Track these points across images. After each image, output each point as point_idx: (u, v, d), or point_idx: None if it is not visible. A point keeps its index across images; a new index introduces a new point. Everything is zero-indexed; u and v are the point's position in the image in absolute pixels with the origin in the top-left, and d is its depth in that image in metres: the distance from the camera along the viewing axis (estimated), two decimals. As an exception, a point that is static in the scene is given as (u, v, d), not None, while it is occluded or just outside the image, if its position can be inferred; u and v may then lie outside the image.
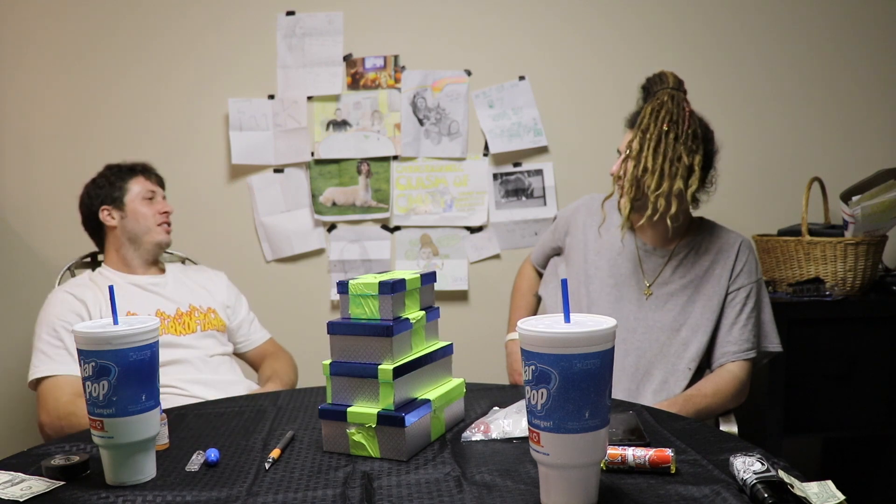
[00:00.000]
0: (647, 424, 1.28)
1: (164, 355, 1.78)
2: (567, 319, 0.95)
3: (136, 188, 1.98)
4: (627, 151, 1.71)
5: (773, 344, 1.81)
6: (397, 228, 2.64)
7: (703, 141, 1.71)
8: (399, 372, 1.17)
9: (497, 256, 2.63)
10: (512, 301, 2.10)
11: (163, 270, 2.04)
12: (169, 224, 2.01)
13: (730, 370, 1.72)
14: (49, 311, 1.82)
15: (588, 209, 1.93)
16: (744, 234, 1.85)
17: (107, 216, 1.97)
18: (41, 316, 1.83)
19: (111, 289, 1.14)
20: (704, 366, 1.78)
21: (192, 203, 2.54)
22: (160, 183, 2.06)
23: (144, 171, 2.03)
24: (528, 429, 0.92)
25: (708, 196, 1.78)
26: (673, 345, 1.74)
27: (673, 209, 1.68)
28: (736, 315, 1.74)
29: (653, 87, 1.78)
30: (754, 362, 1.77)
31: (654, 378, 1.73)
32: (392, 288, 1.19)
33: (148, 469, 1.08)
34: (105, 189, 1.98)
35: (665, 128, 1.67)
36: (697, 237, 1.81)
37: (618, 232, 1.83)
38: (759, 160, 2.59)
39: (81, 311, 1.82)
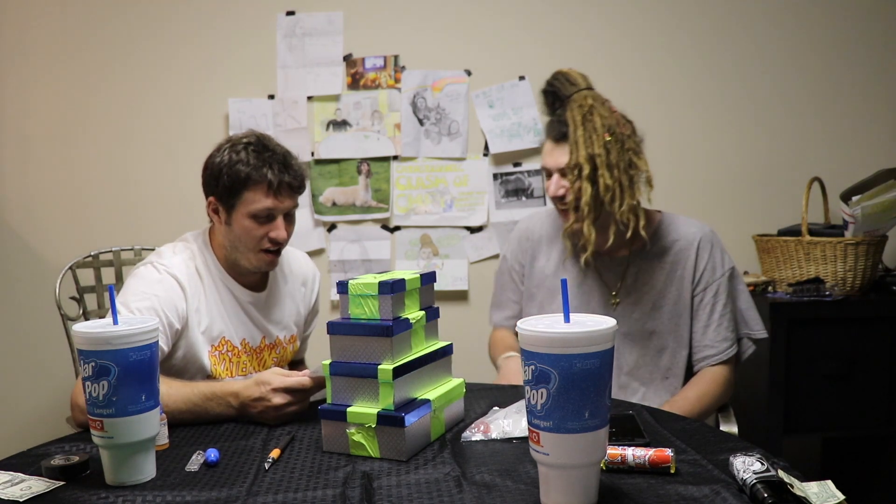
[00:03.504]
0: (647, 424, 1.28)
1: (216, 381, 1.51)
2: (567, 319, 0.95)
3: (252, 202, 1.53)
4: (576, 173, 1.60)
5: (756, 330, 1.74)
6: (397, 228, 2.64)
7: (633, 132, 1.65)
8: (399, 372, 1.17)
9: (497, 256, 2.62)
10: (496, 360, 1.86)
11: (265, 282, 1.69)
12: (278, 253, 1.59)
13: (712, 373, 1.68)
14: (154, 290, 1.50)
15: (528, 238, 1.83)
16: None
17: (212, 211, 1.60)
18: (138, 286, 1.51)
19: (111, 288, 1.14)
20: (691, 367, 1.74)
21: (193, 204, 2.54)
22: (294, 189, 1.56)
23: (280, 173, 1.52)
24: (528, 429, 0.92)
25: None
26: (647, 354, 1.70)
27: (642, 220, 1.62)
28: (707, 316, 1.68)
29: (562, 90, 1.67)
30: (738, 355, 1.72)
31: (632, 389, 1.70)
32: (392, 288, 1.19)
33: (148, 469, 1.08)
34: (223, 180, 1.53)
35: (607, 138, 1.58)
36: (655, 237, 1.71)
37: (565, 248, 1.74)
38: (759, 160, 2.59)
39: (181, 308, 1.52)
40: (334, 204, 2.62)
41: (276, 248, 1.58)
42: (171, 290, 1.52)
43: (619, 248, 1.70)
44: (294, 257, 1.79)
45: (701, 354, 1.69)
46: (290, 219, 1.60)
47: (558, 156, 1.65)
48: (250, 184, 1.52)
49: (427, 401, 1.22)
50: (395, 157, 2.61)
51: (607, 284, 1.73)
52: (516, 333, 1.79)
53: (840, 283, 2.19)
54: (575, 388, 0.88)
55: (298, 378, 1.34)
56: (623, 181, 1.59)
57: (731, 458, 1.02)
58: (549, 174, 1.68)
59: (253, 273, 1.63)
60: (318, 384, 1.35)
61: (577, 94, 1.64)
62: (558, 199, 1.67)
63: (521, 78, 2.58)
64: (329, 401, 1.21)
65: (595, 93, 1.65)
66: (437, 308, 1.33)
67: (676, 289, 1.69)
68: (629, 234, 1.62)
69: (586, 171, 1.58)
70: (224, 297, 1.61)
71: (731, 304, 1.71)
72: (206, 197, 1.60)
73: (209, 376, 1.56)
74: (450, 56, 2.59)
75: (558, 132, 1.65)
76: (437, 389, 1.28)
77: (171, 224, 2.52)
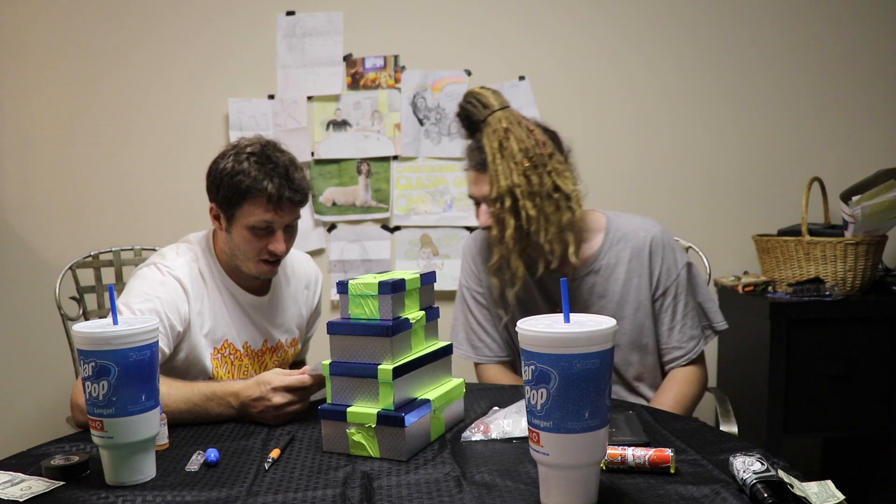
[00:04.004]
0: (647, 424, 1.28)
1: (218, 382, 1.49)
2: (567, 319, 0.95)
3: (251, 214, 1.50)
4: (498, 206, 1.53)
5: (717, 322, 1.71)
6: (397, 228, 2.64)
7: (557, 149, 1.57)
8: (399, 372, 1.17)
9: (497, 256, 2.62)
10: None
11: (268, 286, 1.69)
12: (276, 263, 1.58)
13: (683, 374, 1.65)
14: (156, 291, 1.49)
15: (477, 261, 1.75)
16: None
17: (213, 217, 1.59)
18: (141, 288, 1.50)
19: (111, 288, 1.14)
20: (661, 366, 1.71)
21: (193, 204, 2.54)
22: (295, 203, 1.53)
23: (280, 187, 1.49)
24: (528, 429, 0.92)
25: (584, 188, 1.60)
26: (616, 365, 1.66)
27: (572, 247, 1.54)
28: (671, 319, 1.64)
29: (475, 115, 1.57)
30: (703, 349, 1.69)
31: None
32: (392, 288, 1.19)
33: (148, 469, 1.08)
34: (224, 188, 1.51)
35: (525, 163, 1.50)
36: (605, 245, 1.64)
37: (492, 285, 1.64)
38: (759, 160, 2.59)
39: (183, 310, 1.51)
40: (334, 204, 2.62)
41: (275, 259, 1.56)
42: (174, 292, 1.51)
43: (563, 265, 1.59)
44: (296, 259, 1.78)
45: (669, 357, 1.66)
46: (290, 230, 1.57)
47: (482, 185, 1.57)
48: (250, 196, 1.49)
49: (427, 401, 1.22)
50: (395, 157, 2.61)
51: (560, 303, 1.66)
52: (510, 364, 1.75)
53: (840, 283, 2.19)
54: (575, 388, 0.88)
55: (298, 376, 1.34)
56: (547, 209, 1.52)
57: (731, 458, 1.02)
58: (478, 203, 1.60)
59: (254, 278, 1.62)
60: (319, 382, 1.34)
61: (492, 118, 1.55)
62: (489, 229, 1.59)
63: (521, 78, 2.58)
64: (329, 401, 1.21)
65: (510, 112, 1.56)
66: (437, 308, 1.33)
67: (635, 298, 1.64)
68: (555, 264, 1.55)
69: (507, 203, 1.51)
70: (226, 300, 1.60)
71: (692, 301, 1.68)
72: (210, 201, 1.58)
73: (210, 379, 1.56)
74: (450, 56, 2.59)
75: (478, 160, 1.56)
76: (437, 389, 1.28)
77: (171, 224, 2.53)
